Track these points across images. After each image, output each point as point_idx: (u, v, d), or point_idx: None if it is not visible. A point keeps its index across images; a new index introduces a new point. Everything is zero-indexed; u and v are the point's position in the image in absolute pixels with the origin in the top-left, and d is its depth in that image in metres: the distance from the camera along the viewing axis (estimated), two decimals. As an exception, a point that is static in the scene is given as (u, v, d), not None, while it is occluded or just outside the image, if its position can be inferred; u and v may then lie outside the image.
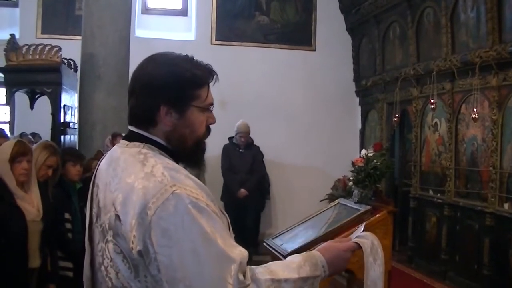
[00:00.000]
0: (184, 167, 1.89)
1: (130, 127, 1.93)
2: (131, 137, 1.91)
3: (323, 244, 2.03)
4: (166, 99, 1.84)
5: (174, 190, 1.68)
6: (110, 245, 1.75)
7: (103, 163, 1.95)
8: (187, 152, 1.92)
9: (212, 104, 1.94)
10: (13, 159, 3.98)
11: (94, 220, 1.89)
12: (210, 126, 1.98)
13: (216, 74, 1.93)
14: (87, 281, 1.95)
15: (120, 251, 1.72)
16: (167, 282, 1.63)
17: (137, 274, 1.69)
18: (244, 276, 1.68)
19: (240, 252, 1.70)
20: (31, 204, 4.06)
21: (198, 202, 1.68)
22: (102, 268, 1.80)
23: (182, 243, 1.64)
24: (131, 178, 1.75)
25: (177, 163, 1.89)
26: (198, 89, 1.88)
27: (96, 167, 2.00)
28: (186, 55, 1.92)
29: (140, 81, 1.88)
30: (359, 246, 2.09)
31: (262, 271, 1.76)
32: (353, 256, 2.07)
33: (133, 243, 1.67)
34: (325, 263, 1.91)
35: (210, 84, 1.93)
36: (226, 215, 1.87)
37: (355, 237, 2.16)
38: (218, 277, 1.63)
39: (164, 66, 1.87)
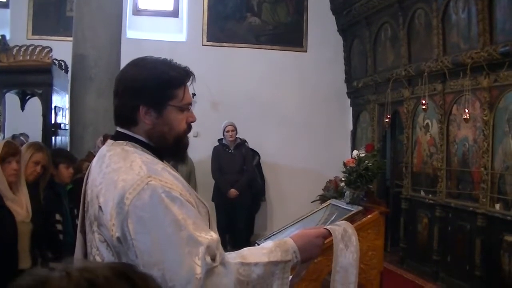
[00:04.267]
0: (165, 162, 2.05)
1: (116, 127, 2.08)
2: (117, 137, 2.05)
3: (296, 231, 2.13)
4: (144, 100, 1.97)
5: (149, 181, 1.81)
6: (96, 235, 1.89)
7: (93, 161, 2.08)
8: (168, 148, 2.05)
9: (190, 103, 2.07)
10: (3, 160, 3.94)
11: (86, 214, 2.02)
12: (192, 124, 2.11)
13: (193, 75, 2.05)
14: None
15: (104, 239, 1.86)
16: (143, 266, 1.73)
17: (120, 261, 1.80)
18: (213, 259, 1.78)
19: (209, 237, 1.80)
20: (20, 205, 4.03)
21: (171, 192, 1.81)
22: (91, 257, 1.94)
23: (156, 230, 1.76)
24: (113, 172, 1.89)
25: (162, 159, 2.03)
26: (174, 89, 2.00)
27: (89, 166, 2.12)
28: (165, 58, 2.07)
29: (122, 84, 2.02)
30: (330, 233, 2.16)
31: (234, 256, 1.88)
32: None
33: (112, 231, 1.80)
34: (297, 249, 1.99)
35: (189, 84, 2.06)
36: (206, 204, 2.03)
37: (328, 225, 2.22)
38: (187, 259, 1.74)
39: (143, 69, 2.00)
